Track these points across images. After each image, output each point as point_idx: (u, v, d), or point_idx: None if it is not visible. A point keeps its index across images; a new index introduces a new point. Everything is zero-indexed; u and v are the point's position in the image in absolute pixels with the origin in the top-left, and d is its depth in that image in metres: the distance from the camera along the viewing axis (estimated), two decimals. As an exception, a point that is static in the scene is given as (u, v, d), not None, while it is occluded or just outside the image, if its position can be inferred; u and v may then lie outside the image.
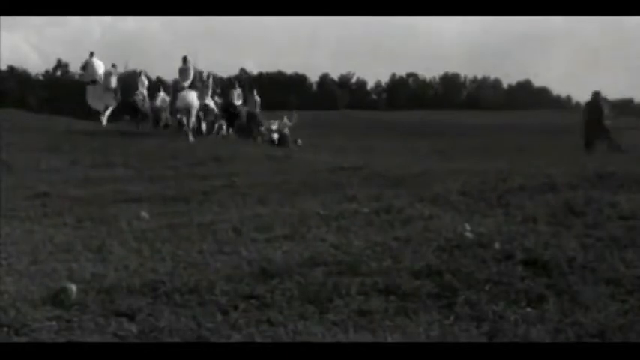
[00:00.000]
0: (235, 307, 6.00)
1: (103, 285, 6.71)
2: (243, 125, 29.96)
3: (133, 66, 36.60)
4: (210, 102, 28.65)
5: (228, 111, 29.49)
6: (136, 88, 32.17)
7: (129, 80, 33.17)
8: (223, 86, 33.15)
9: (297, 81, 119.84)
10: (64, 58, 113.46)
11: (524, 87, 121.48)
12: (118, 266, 7.60)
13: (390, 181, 14.10)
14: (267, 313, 5.87)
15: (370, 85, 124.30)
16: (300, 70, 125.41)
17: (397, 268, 6.86)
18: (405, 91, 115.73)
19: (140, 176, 18.21)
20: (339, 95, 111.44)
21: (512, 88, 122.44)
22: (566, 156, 22.20)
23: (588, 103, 27.26)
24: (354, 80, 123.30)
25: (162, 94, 31.79)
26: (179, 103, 26.68)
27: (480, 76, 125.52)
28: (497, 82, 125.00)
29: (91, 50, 31.65)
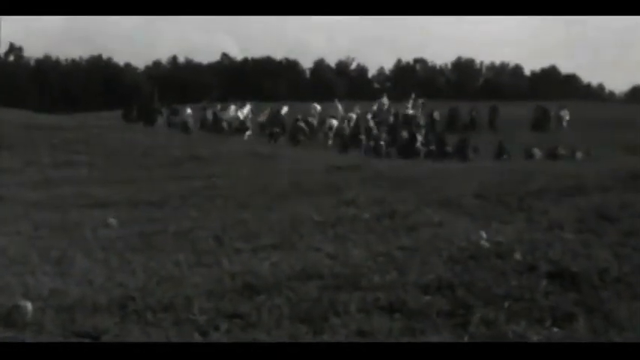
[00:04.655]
0: (216, 328, 5.99)
1: (63, 303, 6.69)
2: None
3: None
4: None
5: None
6: None
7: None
8: None
9: (288, 68, 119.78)
10: (19, 42, 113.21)
11: (550, 74, 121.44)
12: (81, 281, 7.59)
13: (393, 181, 14.10)
14: (252, 334, 5.85)
15: (372, 72, 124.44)
16: (292, 56, 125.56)
17: (403, 282, 6.86)
18: (412, 80, 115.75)
19: (107, 177, 18.22)
20: (336, 84, 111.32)
21: (535, 76, 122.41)
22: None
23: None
24: (353, 67, 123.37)
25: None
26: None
27: (498, 63, 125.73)
28: (518, 69, 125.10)
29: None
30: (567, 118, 44.19)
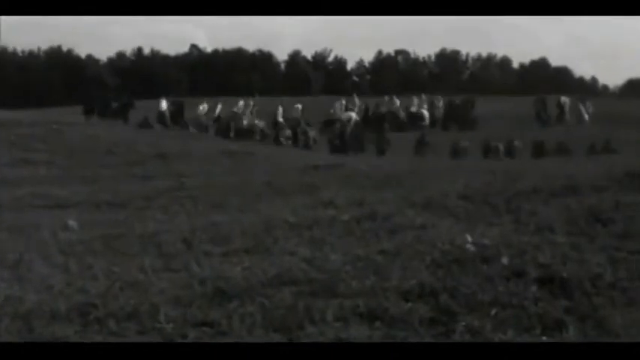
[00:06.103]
0: (184, 337, 5.97)
1: (19, 310, 6.65)
2: None
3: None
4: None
5: None
6: None
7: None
8: None
9: (262, 60, 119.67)
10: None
11: (540, 67, 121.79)
12: (38, 287, 7.54)
13: (374, 181, 14.12)
14: (223, 343, 5.85)
15: (351, 65, 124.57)
16: (265, 47, 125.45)
17: (383, 288, 6.85)
18: (393, 73, 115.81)
19: (68, 176, 18.16)
20: (312, 78, 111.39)
21: (524, 69, 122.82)
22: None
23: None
24: (330, 59, 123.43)
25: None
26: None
27: (484, 54, 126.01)
28: (505, 61, 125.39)
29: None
30: (589, 111, 44.42)
